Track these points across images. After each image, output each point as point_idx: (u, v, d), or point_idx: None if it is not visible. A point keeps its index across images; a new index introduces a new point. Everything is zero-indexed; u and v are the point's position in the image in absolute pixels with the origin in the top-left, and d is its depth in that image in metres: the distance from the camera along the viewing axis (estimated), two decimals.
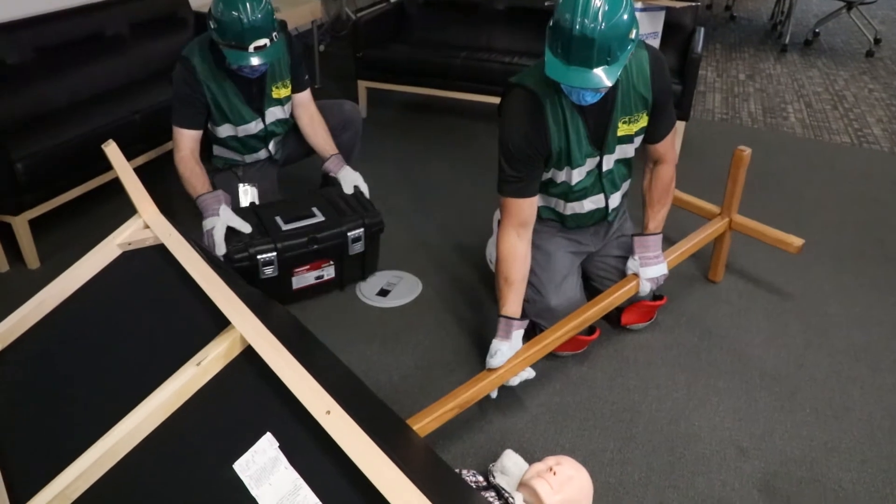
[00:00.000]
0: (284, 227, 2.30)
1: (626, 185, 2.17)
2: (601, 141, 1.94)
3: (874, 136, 3.99)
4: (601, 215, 2.14)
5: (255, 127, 2.52)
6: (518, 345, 1.90)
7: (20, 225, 2.58)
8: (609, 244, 2.25)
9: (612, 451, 1.89)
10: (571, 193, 2.03)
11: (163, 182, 3.27)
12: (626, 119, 1.92)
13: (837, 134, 4.03)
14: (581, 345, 2.18)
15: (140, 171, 3.14)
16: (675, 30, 3.71)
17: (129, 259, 1.62)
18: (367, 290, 2.53)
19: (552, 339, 1.93)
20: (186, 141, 2.38)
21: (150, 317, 1.45)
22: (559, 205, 2.10)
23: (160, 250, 1.55)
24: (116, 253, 1.64)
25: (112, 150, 1.74)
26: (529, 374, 1.93)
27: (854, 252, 2.81)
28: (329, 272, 2.41)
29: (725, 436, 1.94)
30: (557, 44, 1.63)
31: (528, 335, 1.96)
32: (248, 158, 2.61)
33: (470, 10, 4.13)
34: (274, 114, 2.55)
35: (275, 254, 2.24)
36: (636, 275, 2.11)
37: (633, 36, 1.64)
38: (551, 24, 1.65)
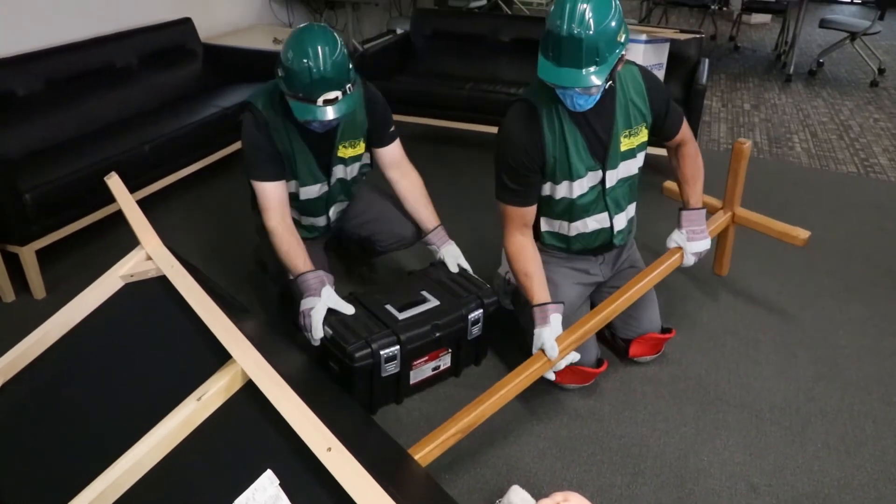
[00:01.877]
0: (401, 317, 2.06)
1: (631, 209, 2.17)
2: (603, 155, 1.96)
3: (881, 166, 3.99)
4: (607, 237, 2.13)
5: (318, 190, 2.25)
6: (558, 327, 1.91)
7: (27, 255, 2.59)
8: (618, 275, 2.24)
9: (621, 486, 1.86)
10: (574, 210, 2.04)
11: (171, 213, 3.30)
12: (627, 133, 1.96)
13: (843, 164, 4.03)
14: (588, 377, 2.15)
15: (149, 202, 3.18)
16: (680, 61, 3.74)
17: (132, 291, 1.62)
18: None
19: (598, 319, 1.96)
20: (274, 197, 2.09)
21: (152, 350, 1.44)
22: (563, 227, 2.10)
23: (163, 282, 1.55)
24: (119, 285, 1.64)
25: (114, 182, 1.75)
26: (574, 357, 1.93)
27: (863, 282, 2.78)
28: (445, 361, 2.18)
29: (735, 471, 1.90)
30: (548, 46, 1.72)
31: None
32: (305, 221, 2.33)
33: (475, 41, 4.17)
34: (336, 173, 2.26)
35: (398, 347, 2.00)
36: (680, 248, 2.16)
37: (621, 39, 1.71)
38: (544, 32, 1.73)
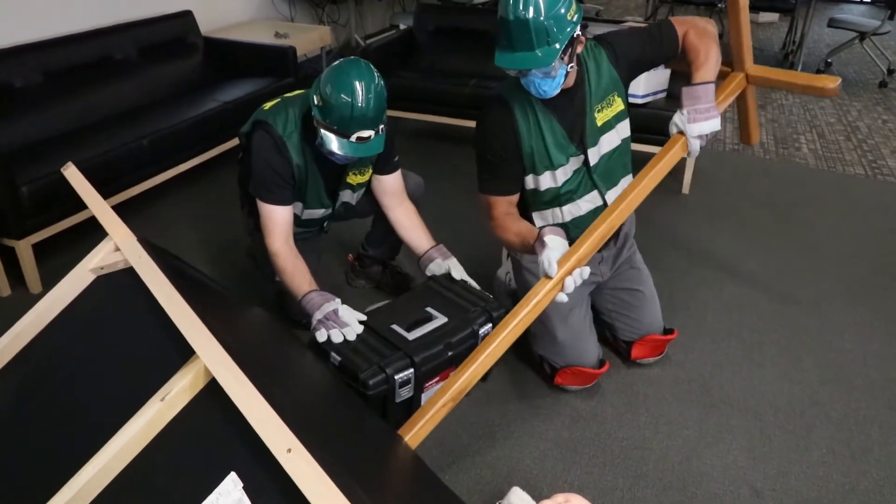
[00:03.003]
0: (411, 337, 1.92)
1: (625, 182, 2.08)
2: (581, 135, 1.94)
3: (888, 168, 3.94)
4: None
5: (322, 213, 2.29)
6: (557, 247, 1.75)
7: (23, 249, 2.56)
8: (619, 276, 2.21)
9: (623, 489, 1.83)
10: (562, 196, 2.01)
11: (170, 208, 3.27)
12: (600, 107, 1.94)
13: (851, 165, 3.99)
14: (590, 379, 2.12)
15: (149, 196, 3.16)
16: None
17: (102, 285, 1.55)
18: None
19: (601, 229, 1.79)
20: (281, 221, 2.08)
21: (120, 347, 1.38)
22: (556, 214, 2.06)
23: (131, 274, 1.46)
24: (90, 279, 1.56)
25: (71, 172, 1.68)
26: (586, 271, 1.77)
27: (869, 285, 2.75)
28: None
29: (739, 475, 1.87)
30: (501, 34, 1.74)
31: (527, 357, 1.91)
32: (297, 231, 2.26)
33: (478, 38, 4.12)
34: (342, 197, 2.29)
35: (412, 370, 1.86)
36: (682, 133, 1.87)
37: (572, 18, 1.73)
38: (496, 25, 1.76)
